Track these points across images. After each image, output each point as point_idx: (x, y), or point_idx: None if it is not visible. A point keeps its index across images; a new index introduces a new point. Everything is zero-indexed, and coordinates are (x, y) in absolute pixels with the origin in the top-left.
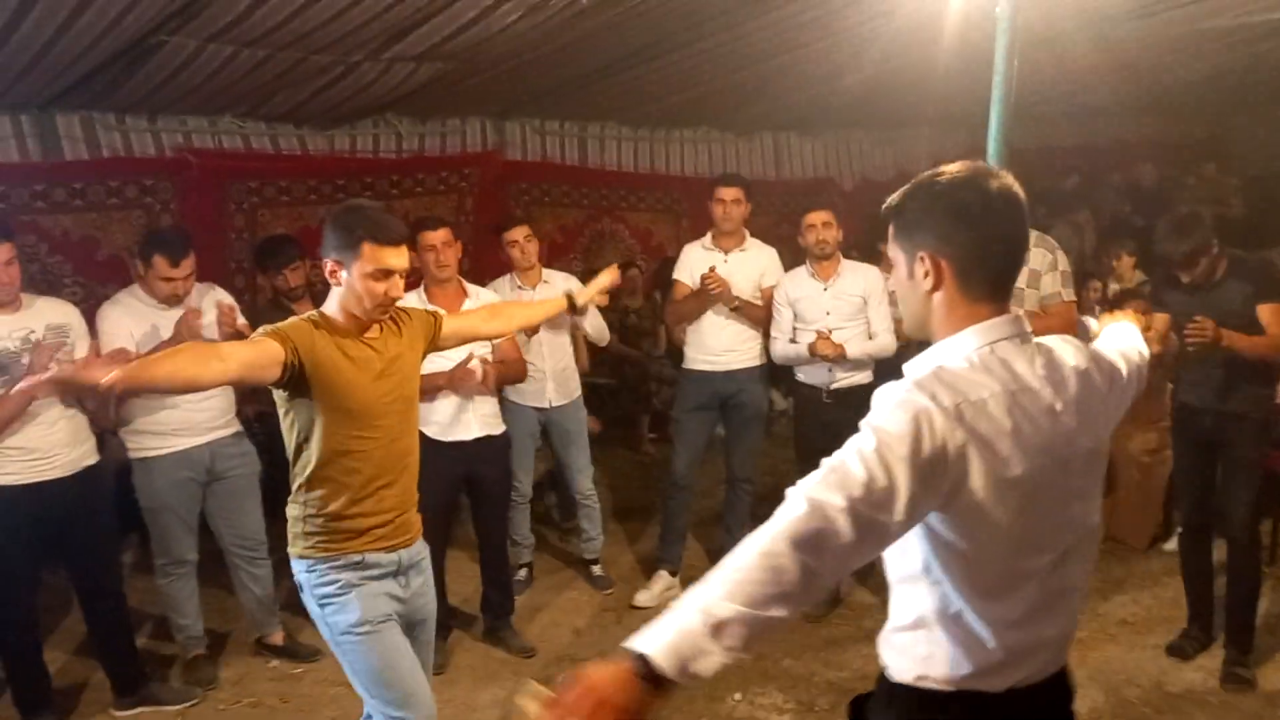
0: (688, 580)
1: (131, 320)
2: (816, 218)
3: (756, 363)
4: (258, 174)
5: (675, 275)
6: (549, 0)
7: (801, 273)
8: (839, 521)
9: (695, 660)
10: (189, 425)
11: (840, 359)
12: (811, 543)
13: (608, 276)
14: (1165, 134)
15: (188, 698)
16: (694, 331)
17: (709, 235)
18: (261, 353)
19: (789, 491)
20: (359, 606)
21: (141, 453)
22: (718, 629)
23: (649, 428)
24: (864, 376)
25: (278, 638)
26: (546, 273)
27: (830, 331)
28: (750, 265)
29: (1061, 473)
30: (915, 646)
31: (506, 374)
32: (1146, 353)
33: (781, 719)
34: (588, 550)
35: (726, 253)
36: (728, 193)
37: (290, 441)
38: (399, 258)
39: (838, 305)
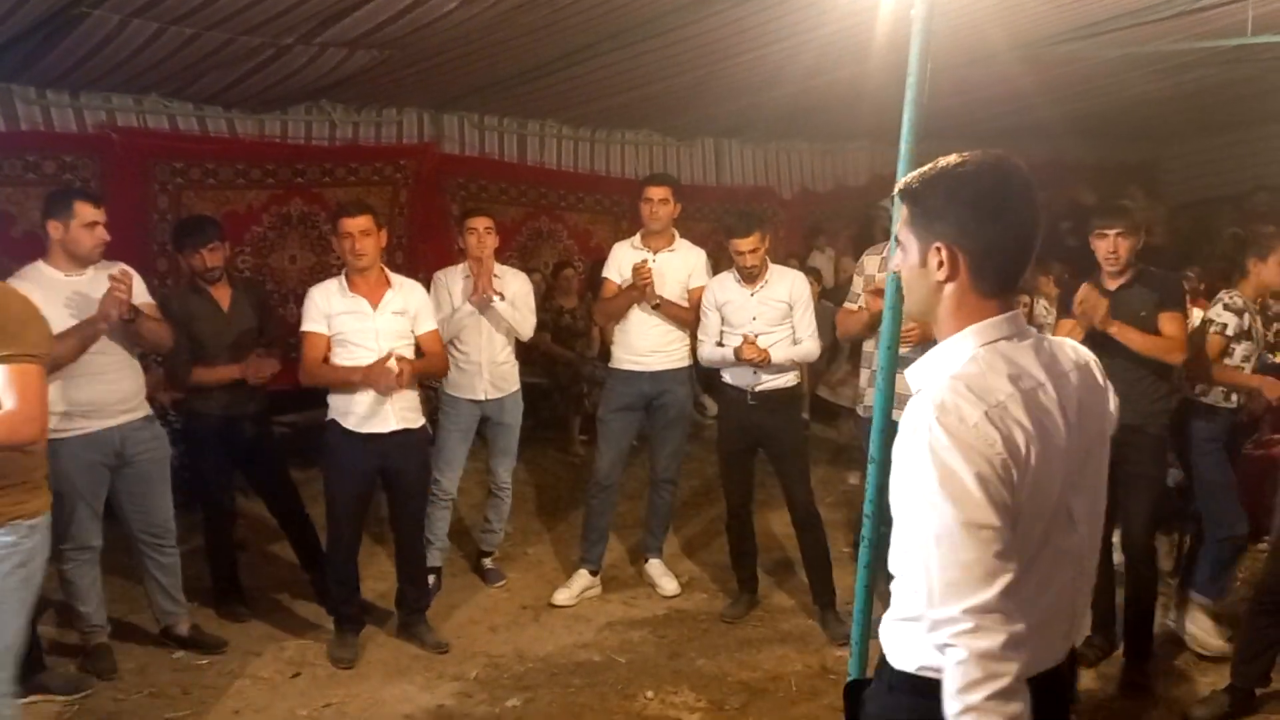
0: (608, 580)
1: (40, 294)
2: (744, 244)
3: (682, 364)
4: (184, 155)
5: (604, 274)
6: None
7: (729, 278)
8: (1005, 602)
9: None
10: (98, 407)
11: (765, 363)
12: (990, 678)
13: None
14: (1100, 157)
15: (82, 688)
16: (621, 331)
17: (638, 235)
18: None
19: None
20: None
21: (48, 434)
22: None
23: (580, 429)
24: (788, 379)
25: (184, 628)
26: (499, 268)
27: (756, 336)
28: (678, 265)
29: (1063, 468)
30: (917, 636)
31: (427, 369)
32: None
33: (692, 717)
34: (486, 542)
35: (655, 252)
36: (655, 192)
37: None
38: None
39: (764, 311)
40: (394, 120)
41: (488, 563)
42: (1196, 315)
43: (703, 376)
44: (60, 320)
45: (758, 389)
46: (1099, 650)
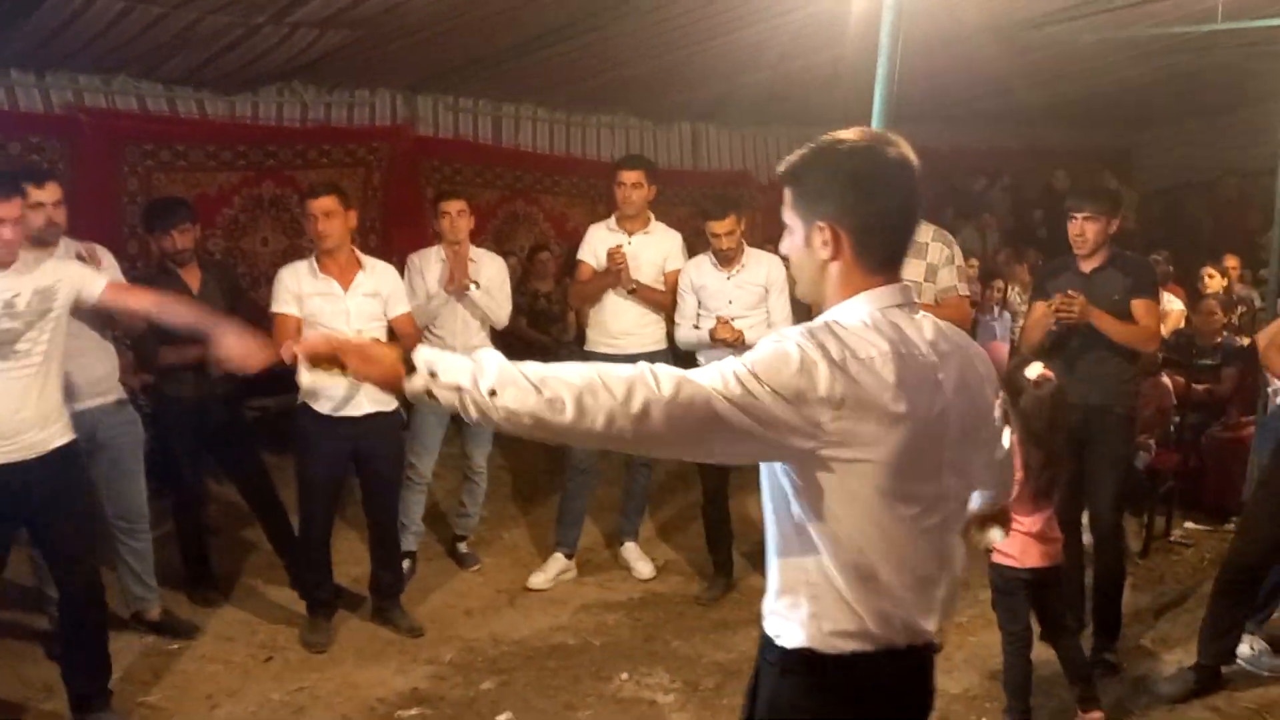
0: (584, 564)
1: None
2: (720, 227)
3: (658, 347)
4: (154, 137)
5: (579, 256)
6: None
7: (705, 261)
8: (665, 386)
9: (444, 375)
10: (70, 390)
11: (739, 344)
12: (644, 385)
13: None
14: (1076, 143)
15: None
16: (596, 314)
17: (613, 217)
18: None
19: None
20: None
21: None
22: (480, 373)
23: None
24: None
25: (155, 613)
26: (475, 251)
27: (732, 319)
28: (654, 248)
29: (936, 441)
30: (799, 611)
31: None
32: None
33: (667, 698)
34: (460, 526)
35: (630, 235)
36: (629, 175)
37: None
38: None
39: (740, 294)
40: (367, 102)
41: (463, 547)
42: (1168, 300)
43: (679, 362)
44: None
45: None
46: None
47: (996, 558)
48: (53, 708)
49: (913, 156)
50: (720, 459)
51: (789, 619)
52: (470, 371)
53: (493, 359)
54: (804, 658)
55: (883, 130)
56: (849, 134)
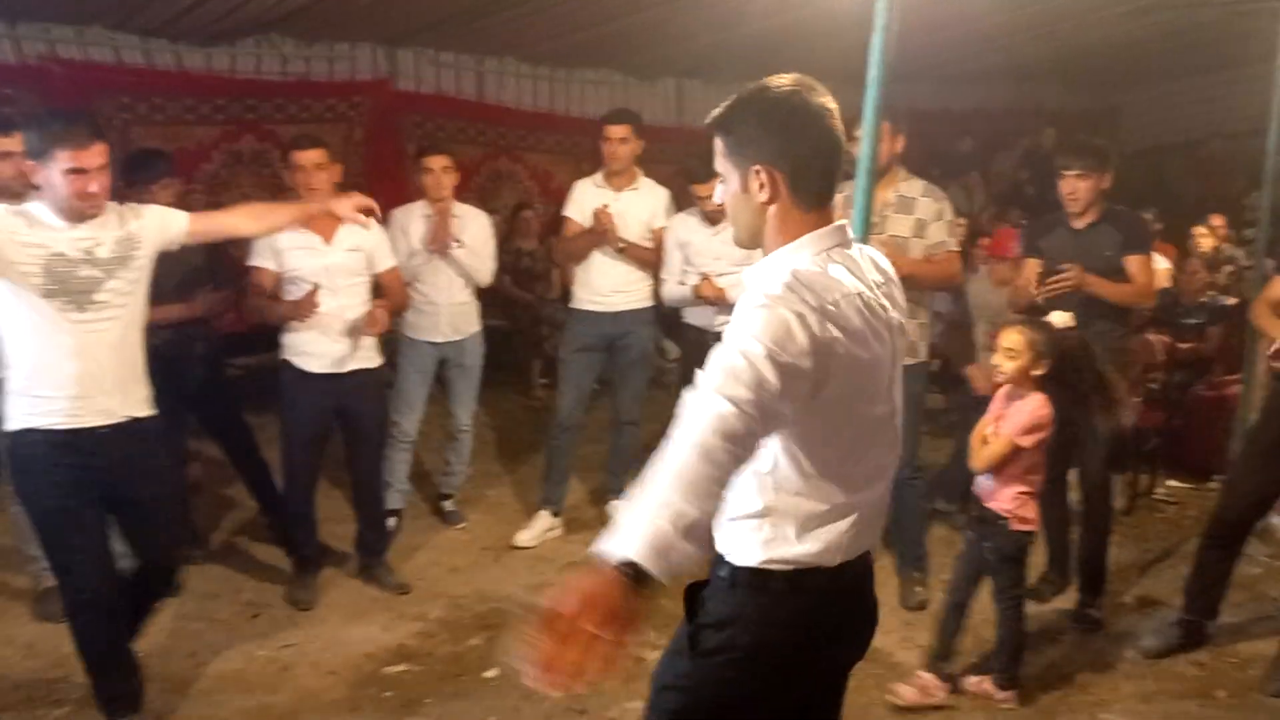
0: (569, 521)
1: None
2: (704, 190)
3: (645, 304)
4: (129, 89)
5: (565, 212)
6: None
7: (691, 218)
8: (753, 416)
9: (671, 557)
10: None
11: (722, 301)
12: (737, 435)
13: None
14: (1062, 102)
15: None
16: (583, 271)
17: (600, 173)
18: None
19: (690, 395)
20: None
21: None
22: (688, 530)
23: (540, 373)
24: None
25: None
26: (459, 207)
27: (718, 276)
28: (641, 205)
29: (886, 367)
30: (759, 532)
31: (395, 307)
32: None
33: (654, 654)
34: (445, 484)
35: (618, 191)
36: (615, 130)
37: None
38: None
39: (728, 250)
40: (347, 55)
41: (448, 505)
42: (1159, 260)
43: (663, 320)
44: None
45: (717, 328)
46: (1053, 586)
47: (1017, 525)
48: (32, 665)
49: (832, 101)
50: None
51: (746, 540)
52: (670, 522)
53: (654, 500)
54: (755, 573)
55: (803, 76)
56: (773, 81)
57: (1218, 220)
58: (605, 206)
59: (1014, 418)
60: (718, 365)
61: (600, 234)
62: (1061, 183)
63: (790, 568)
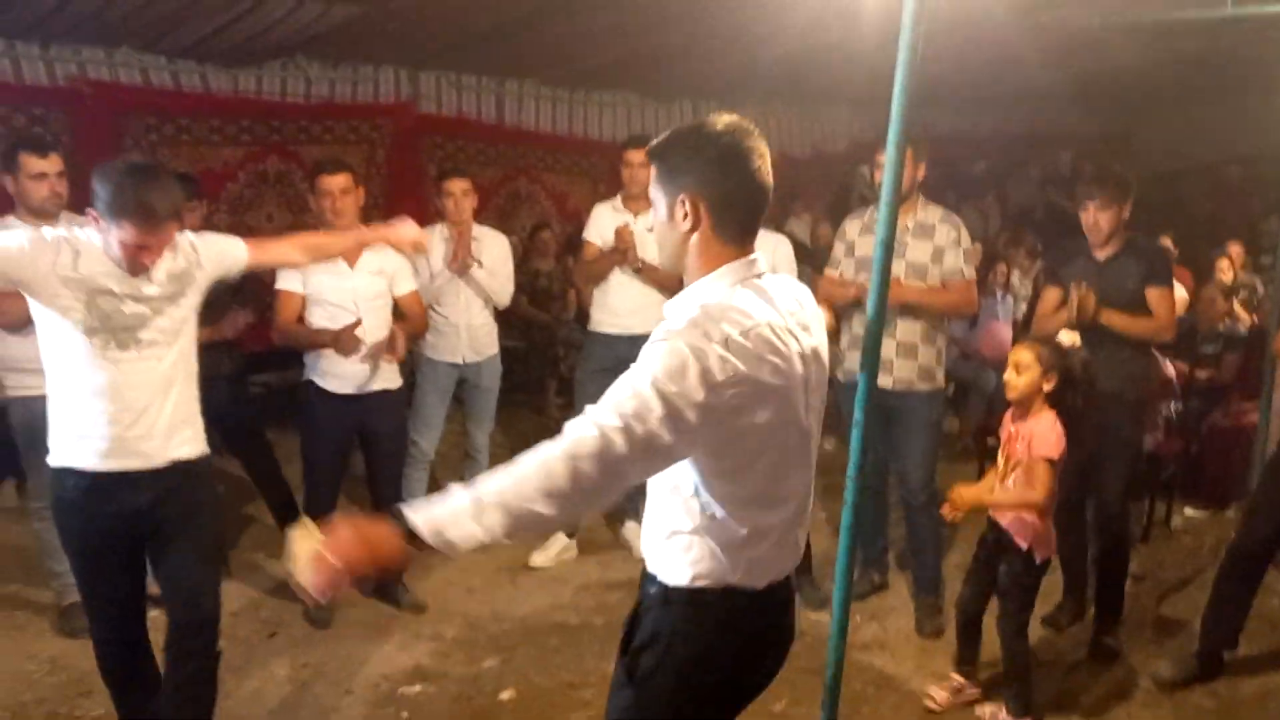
0: (584, 543)
1: None
2: None
3: None
4: (157, 110)
5: (585, 236)
6: None
7: None
8: (617, 441)
9: (450, 530)
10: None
11: None
12: (589, 454)
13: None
14: (1077, 126)
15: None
16: (600, 293)
17: (619, 197)
18: None
19: (573, 421)
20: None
21: (23, 391)
22: (480, 512)
23: (556, 392)
24: None
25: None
26: (478, 229)
27: None
28: None
29: (801, 393)
30: (688, 552)
31: (412, 331)
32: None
33: None
34: None
35: (636, 215)
36: (635, 155)
37: None
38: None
39: None
40: (370, 78)
41: None
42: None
43: None
44: None
45: None
46: (1070, 614)
47: (1042, 554)
48: (56, 681)
49: (765, 144)
50: (655, 472)
51: (676, 560)
52: (472, 517)
53: (483, 496)
54: (685, 592)
55: (740, 118)
56: (711, 119)
57: (1236, 248)
58: (626, 225)
59: (1041, 439)
60: (608, 395)
61: (621, 253)
62: (1083, 214)
63: (720, 585)
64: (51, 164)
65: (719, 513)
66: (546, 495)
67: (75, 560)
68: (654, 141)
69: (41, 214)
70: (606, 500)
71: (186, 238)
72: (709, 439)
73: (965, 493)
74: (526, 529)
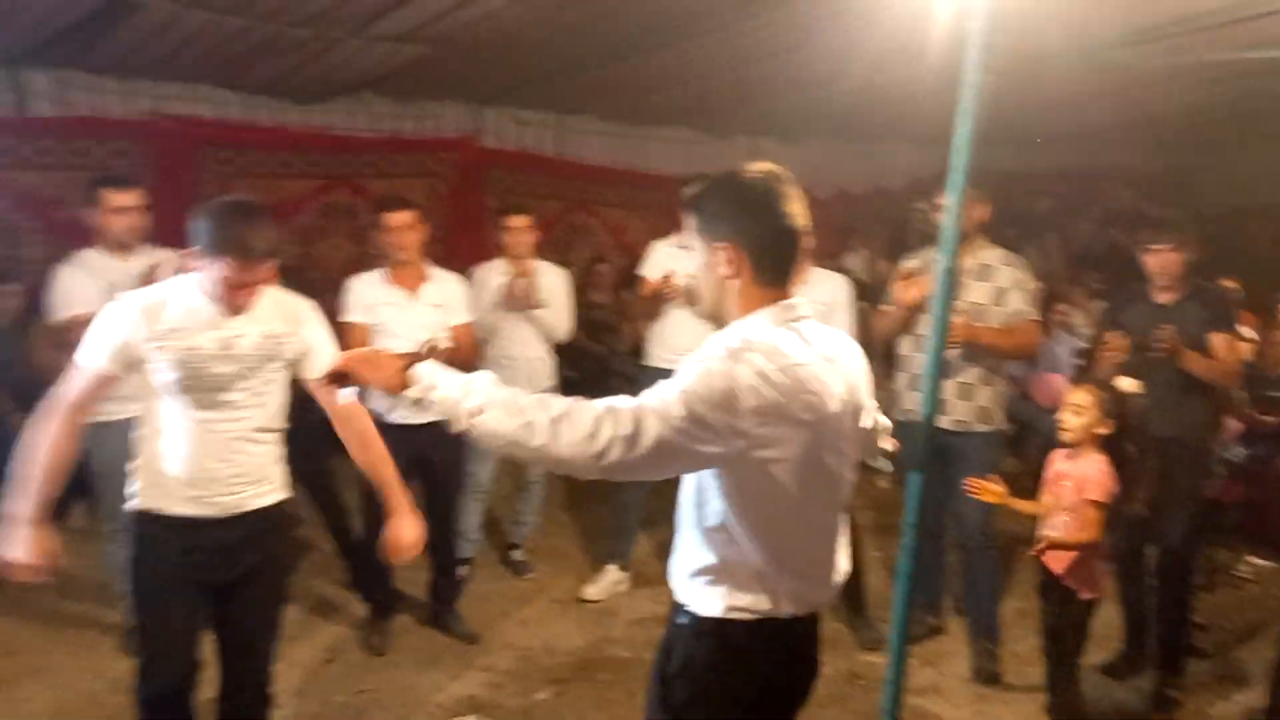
0: (636, 576)
1: (90, 279)
2: None
3: None
4: (232, 144)
5: (642, 272)
6: None
7: None
8: (624, 419)
9: (440, 389)
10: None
11: None
12: (590, 415)
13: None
14: (1138, 165)
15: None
16: (658, 328)
17: (677, 235)
18: None
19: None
20: None
21: (98, 416)
22: (469, 393)
23: None
24: None
25: None
26: (538, 264)
27: None
28: None
29: (834, 434)
30: (715, 585)
31: (453, 357)
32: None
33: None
34: (515, 534)
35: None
36: None
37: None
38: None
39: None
40: (436, 114)
41: (517, 554)
42: (1244, 332)
43: None
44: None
45: None
46: (1131, 664)
47: (1088, 594)
48: (119, 701)
49: (799, 191)
50: (668, 475)
51: (707, 592)
52: (462, 389)
53: (484, 382)
54: (716, 623)
55: (772, 165)
56: (744, 167)
57: None
58: (669, 275)
59: (1091, 481)
60: (638, 397)
61: (668, 298)
62: (1149, 257)
63: (750, 617)
64: (132, 198)
65: (746, 545)
66: (527, 424)
67: (138, 602)
68: (689, 190)
69: (122, 247)
70: (575, 463)
71: (292, 298)
72: (734, 466)
73: (1011, 500)
74: (492, 433)
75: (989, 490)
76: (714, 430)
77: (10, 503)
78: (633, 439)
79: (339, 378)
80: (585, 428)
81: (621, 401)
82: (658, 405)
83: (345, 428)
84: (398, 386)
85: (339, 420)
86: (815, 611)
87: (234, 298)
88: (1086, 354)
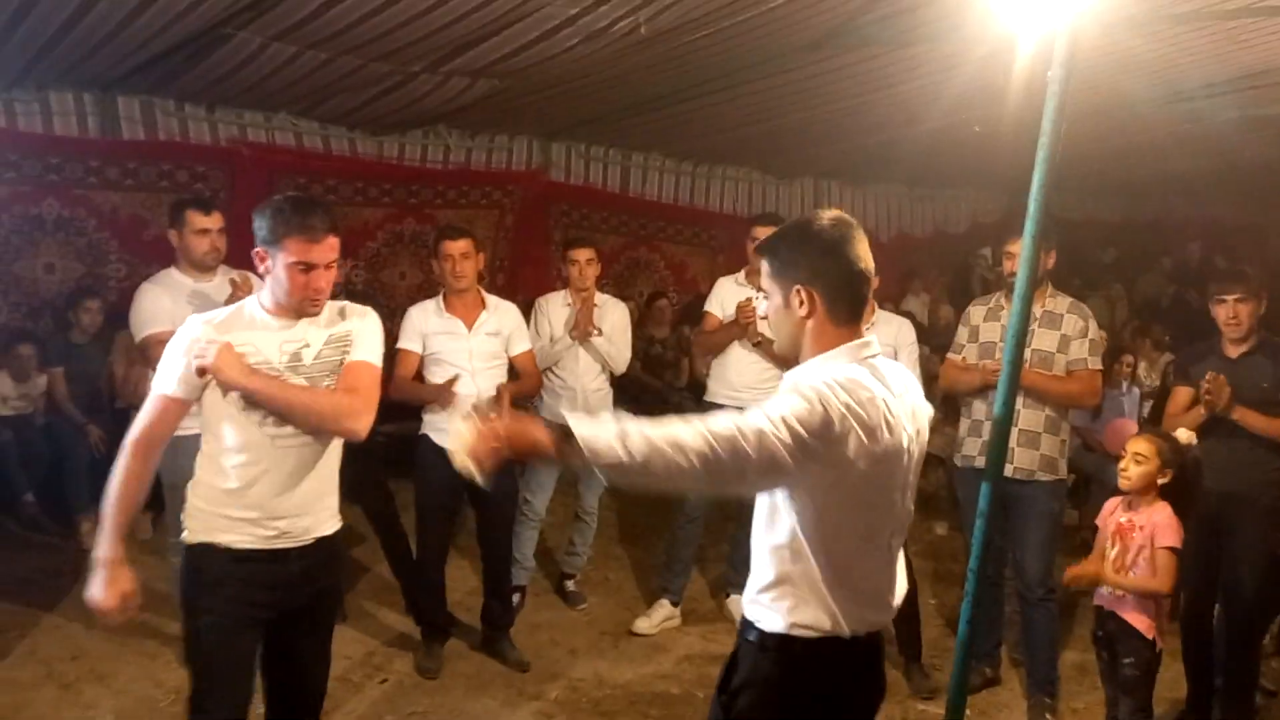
0: (687, 613)
1: (170, 298)
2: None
3: None
4: (307, 171)
5: (707, 307)
6: (609, 28)
7: None
8: (749, 438)
9: (597, 441)
10: None
11: None
12: (724, 437)
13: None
14: (1208, 216)
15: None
16: (719, 366)
17: (743, 271)
18: None
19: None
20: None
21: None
22: (624, 436)
23: None
24: None
25: None
26: (600, 296)
27: None
28: None
29: (902, 467)
30: (781, 601)
31: (520, 390)
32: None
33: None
34: (568, 564)
35: (759, 289)
36: (762, 231)
37: None
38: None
39: None
40: (505, 147)
41: (570, 585)
42: None
43: None
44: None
45: None
46: None
47: (1161, 645)
48: (178, 711)
49: (862, 234)
50: (756, 492)
51: (771, 609)
52: (619, 441)
53: (630, 428)
54: (781, 640)
55: (841, 212)
56: (815, 215)
57: None
58: (750, 300)
59: (1164, 529)
60: (740, 417)
61: (742, 326)
62: (1220, 308)
63: (812, 634)
64: (214, 221)
65: (810, 561)
66: (681, 450)
67: (193, 637)
68: (764, 239)
69: (201, 267)
70: (720, 485)
71: (351, 306)
72: (818, 483)
73: (1084, 570)
74: (659, 469)
75: (1085, 577)
76: (813, 454)
77: (97, 545)
78: (757, 454)
79: (494, 451)
80: (725, 452)
81: (725, 420)
82: (769, 427)
83: None
84: (552, 445)
85: None
86: (876, 631)
87: (303, 290)
88: (1153, 405)
